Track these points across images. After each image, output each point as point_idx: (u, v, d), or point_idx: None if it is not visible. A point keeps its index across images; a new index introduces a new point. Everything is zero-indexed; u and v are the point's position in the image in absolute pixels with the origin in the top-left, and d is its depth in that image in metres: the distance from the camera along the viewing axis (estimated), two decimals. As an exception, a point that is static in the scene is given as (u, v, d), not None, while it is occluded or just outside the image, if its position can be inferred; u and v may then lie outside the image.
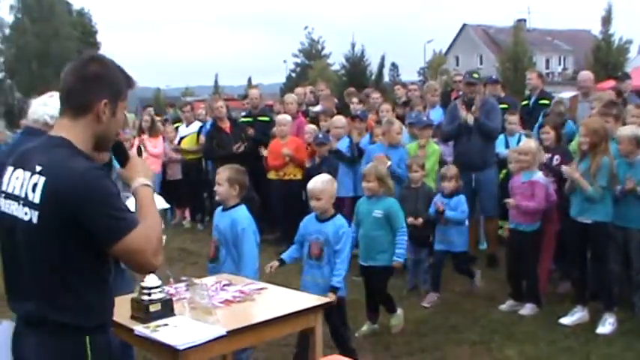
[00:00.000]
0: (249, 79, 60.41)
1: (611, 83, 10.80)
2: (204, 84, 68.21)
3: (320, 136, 8.80)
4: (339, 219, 5.30)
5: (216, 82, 61.69)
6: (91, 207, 2.42)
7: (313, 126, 9.64)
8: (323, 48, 56.16)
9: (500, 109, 8.59)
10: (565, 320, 6.29)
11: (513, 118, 8.76)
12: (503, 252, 7.96)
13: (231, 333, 3.44)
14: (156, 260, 2.54)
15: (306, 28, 63.74)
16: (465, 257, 7.44)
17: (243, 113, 11.98)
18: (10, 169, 2.60)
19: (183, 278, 4.25)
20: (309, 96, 12.47)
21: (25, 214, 2.48)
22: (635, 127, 6.41)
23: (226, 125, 10.46)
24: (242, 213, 5.11)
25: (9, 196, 2.56)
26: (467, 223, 7.38)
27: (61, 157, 2.49)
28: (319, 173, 8.47)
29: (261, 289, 4.23)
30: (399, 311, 6.37)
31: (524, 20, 55.65)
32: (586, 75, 9.72)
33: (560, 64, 57.13)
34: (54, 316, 2.48)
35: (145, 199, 2.67)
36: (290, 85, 40.70)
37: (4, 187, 2.60)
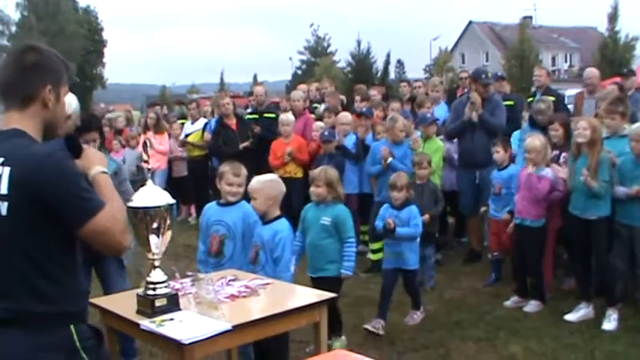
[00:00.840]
0: (255, 77, 60.52)
1: (617, 80, 10.77)
2: (210, 81, 68.42)
3: (326, 133, 8.78)
4: (280, 224, 4.93)
5: (221, 79, 61.81)
6: (59, 188, 2.44)
7: (321, 123, 9.63)
8: (329, 45, 56.11)
9: (506, 106, 8.59)
10: (570, 316, 6.29)
11: None
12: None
13: (237, 328, 3.45)
14: (124, 240, 2.58)
15: (311, 25, 63.59)
16: (415, 276, 6.55)
17: (249, 110, 11.99)
18: None
19: (189, 273, 4.28)
20: (314, 93, 12.47)
21: None
22: None
23: (232, 122, 10.46)
24: (249, 206, 5.14)
25: None
26: (418, 239, 6.53)
27: (21, 144, 2.51)
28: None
29: (267, 284, 4.25)
30: (343, 338, 5.79)
31: (531, 17, 55.73)
32: (592, 72, 9.70)
33: (566, 61, 57.08)
34: (38, 308, 2.46)
35: (105, 185, 2.72)
36: (296, 83, 40.71)
37: None
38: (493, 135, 8.07)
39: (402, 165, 7.79)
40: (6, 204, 2.44)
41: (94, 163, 2.79)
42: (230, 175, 5.16)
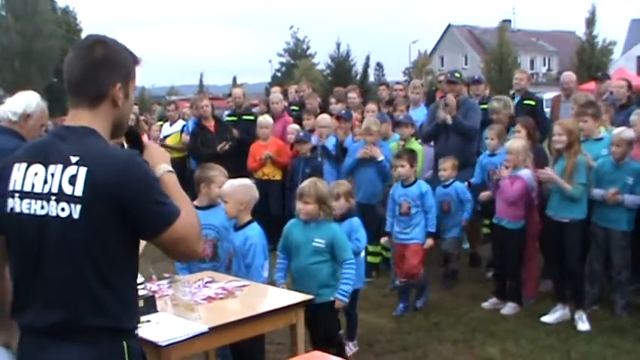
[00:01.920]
0: (234, 79, 60.56)
1: (593, 84, 10.89)
2: (190, 83, 68.14)
3: (301, 134, 8.75)
4: (252, 229, 4.78)
5: (201, 81, 61.71)
6: (141, 195, 2.29)
7: (296, 126, 9.61)
8: (308, 47, 56.22)
9: (484, 109, 8.61)
10: (546, 318, 6.33)
11: None
12: (484, 251, 8.04)
13: (213, 329, 3.46)
14: (199, 247, 2.44)
15: (291, 27, 63.70)
16: (356, 300, 5.76)
17: (227, 112, 11.95)
18: (18, 166, 2.37)
19: (166, 275, 4.28)
20: (293, 95, 12.48)
21: (62, 209, 2.26)
22: (627, 129, 6.44)
23: (211, 124, 10.41)
24: None
25: (27, 195, 2.32)
26: (362, 255, 5.83)
27: (98, 145, 2.35)
28: (303, 173, 8.56)
29: (244, 286, 4.25)
30: None
31: (510, 21, 56.14)
32: (568, 76, 9.78)
33: (544, 64, 57.62)
34: (95, 321, 2.28)
35: (173, 186, 2.52)
36: (275, 85, 40.76)
37: (17, 186, 2.34)
38: (467, 137, 8.08)
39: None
40: (79, 207, 2.25)
41: (158, 161, 2.58)
42: (223, 177, 5.19)
